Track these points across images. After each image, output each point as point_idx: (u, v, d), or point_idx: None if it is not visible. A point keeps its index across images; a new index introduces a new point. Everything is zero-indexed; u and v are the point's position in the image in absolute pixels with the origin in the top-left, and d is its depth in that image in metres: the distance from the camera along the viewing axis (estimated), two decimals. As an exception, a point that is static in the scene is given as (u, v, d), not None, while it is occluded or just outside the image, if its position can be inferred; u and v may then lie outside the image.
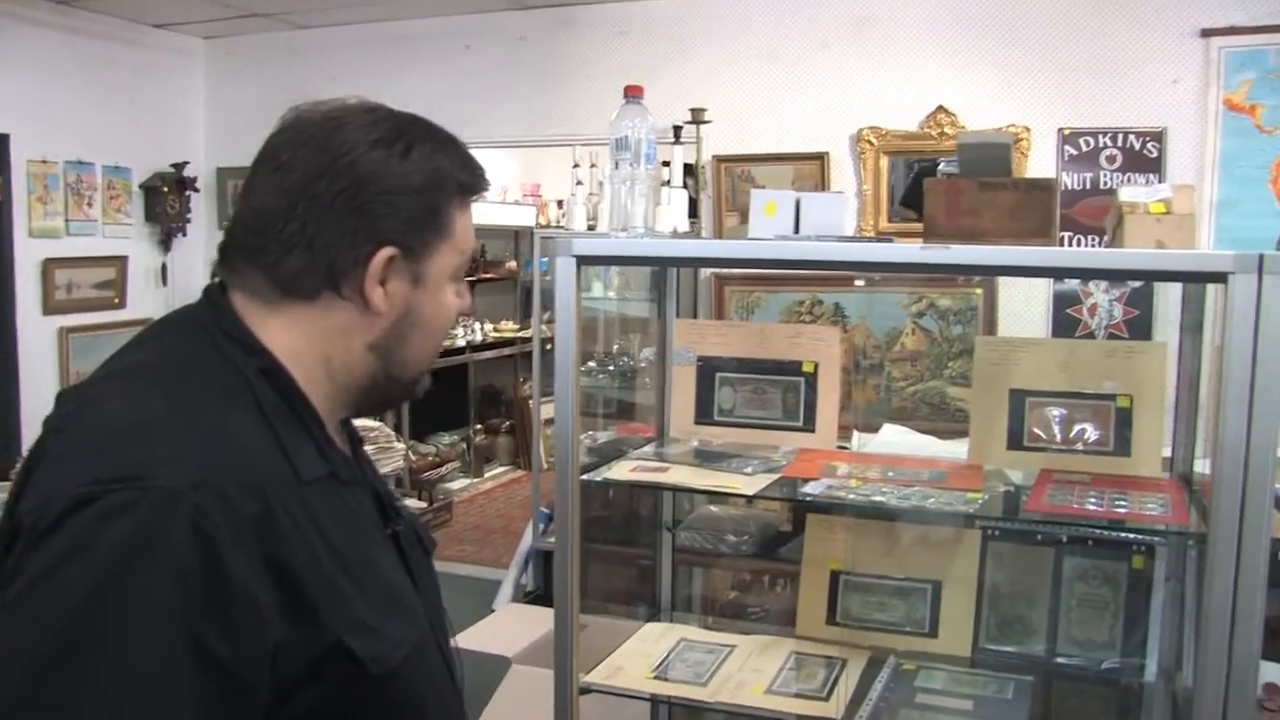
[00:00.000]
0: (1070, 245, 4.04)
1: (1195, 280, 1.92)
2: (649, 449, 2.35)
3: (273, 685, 0.99)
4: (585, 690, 1.98)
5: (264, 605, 0.97)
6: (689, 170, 4.64)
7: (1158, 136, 4.12)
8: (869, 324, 4.47)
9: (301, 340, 1.13)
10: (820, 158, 4.59)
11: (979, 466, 2.13)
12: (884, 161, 4.52)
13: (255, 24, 5.51)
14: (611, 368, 4.43)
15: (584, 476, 2.02)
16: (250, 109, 5.48)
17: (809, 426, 2.30)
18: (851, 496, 1.99)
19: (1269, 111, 4.00)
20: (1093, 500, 1.87)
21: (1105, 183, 4.17)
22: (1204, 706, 1.51)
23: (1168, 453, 2.10)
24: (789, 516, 3.10)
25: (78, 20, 5.21)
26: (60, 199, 5.20)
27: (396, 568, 1.20)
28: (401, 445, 6.35)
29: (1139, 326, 4.11)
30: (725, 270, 4.58)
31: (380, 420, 6.30)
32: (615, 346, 4.54)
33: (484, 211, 7.77)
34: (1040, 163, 4.27)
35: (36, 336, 5.15)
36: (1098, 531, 2.01)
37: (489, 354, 8.24)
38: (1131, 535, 1.99)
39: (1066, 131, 4.24)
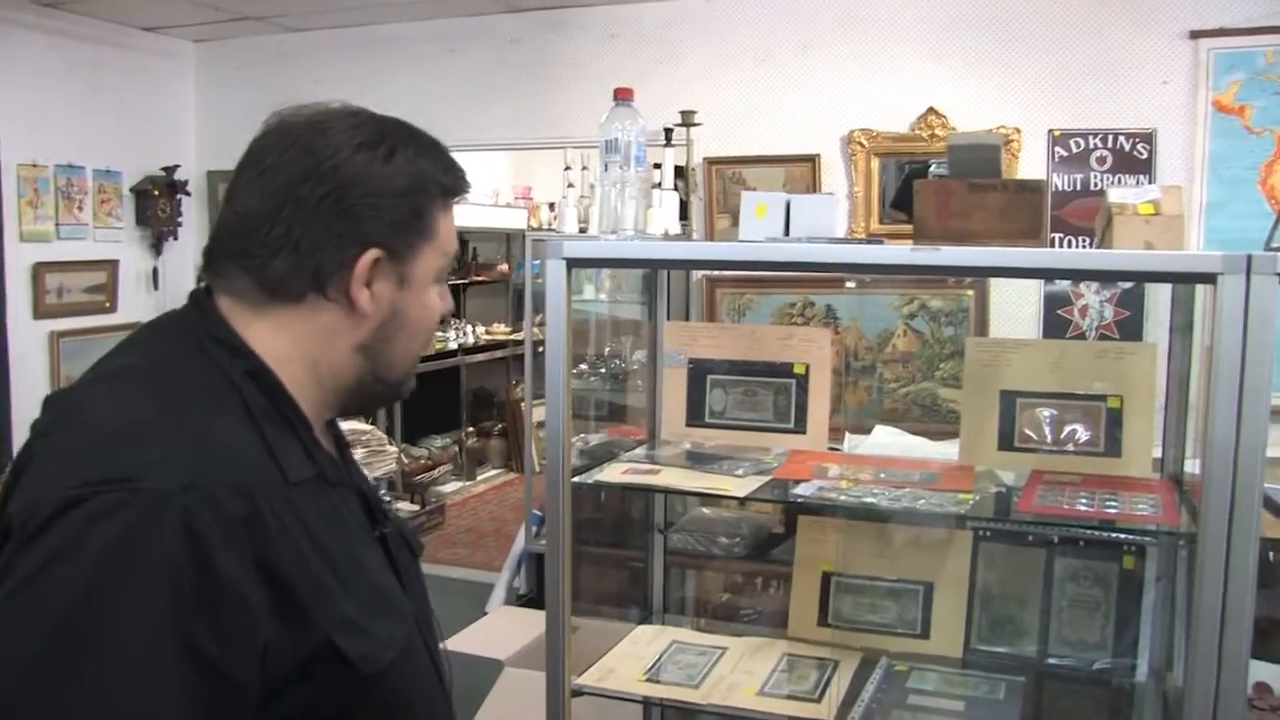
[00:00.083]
0: (1061, 246, 4.05)
1: (1184, 281, 1.92)
2: (640, 451, 2.35)
3: (262, 685, 0.99)
4: (577, 693, 1.98)
5: (254, 605, 0.98)
6: (680, 173, 4.64)
7: (1148, 138, 4.13)
8: (860, 326, 4.48)
9: (288, 342, 1.14)
10: (811, 160, 4.59)
11: (970, 468, 2.13)
12: (875, 163, 4.52)
13: (245, 27, 5.50)
14: (603, 370, 4.43)
15: (575, 479, 2.02)
16: (241, 112, 5.46)
17: (800, 428, 2.30)
18: (843, 498, 2.00)
19: (1258, 113, 4.01)
20: (1083, 501, 1.88)
21: (1096, 184, 4.18)
22: (1194, 706, 1.51)
23: (1158, 453, 2.11)
24: (781, 518, 3.11)
25: (66, 24, 5.19)
26: (51, 203, 5.19)
27: (384, 569, 1.21)
28: (393, 448, 6.33)
29: (1130, 327, 4.11)
30: (717, 273, 4.58)
31: (372, 423, 6.29)
32: (607, 349, 4.54)
33: (476, 214, 7.82)
34: (1031, 164, 4.28)
35: (27, 340, 5.13)
36: (1089, 532, 2.01)
37: (481, 357, 8.24)
38: (1122, 536, 2.00)
39: (1057, 133, 4.25)
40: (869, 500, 1.98)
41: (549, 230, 6.95)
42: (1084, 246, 4.03)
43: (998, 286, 4.29)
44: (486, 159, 7.97)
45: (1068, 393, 2.10)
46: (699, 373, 2.36)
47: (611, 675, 2.09)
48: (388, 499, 5.90)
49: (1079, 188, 4.21)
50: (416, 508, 6.82)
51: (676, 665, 2.13)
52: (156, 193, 5.60)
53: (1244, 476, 1.47)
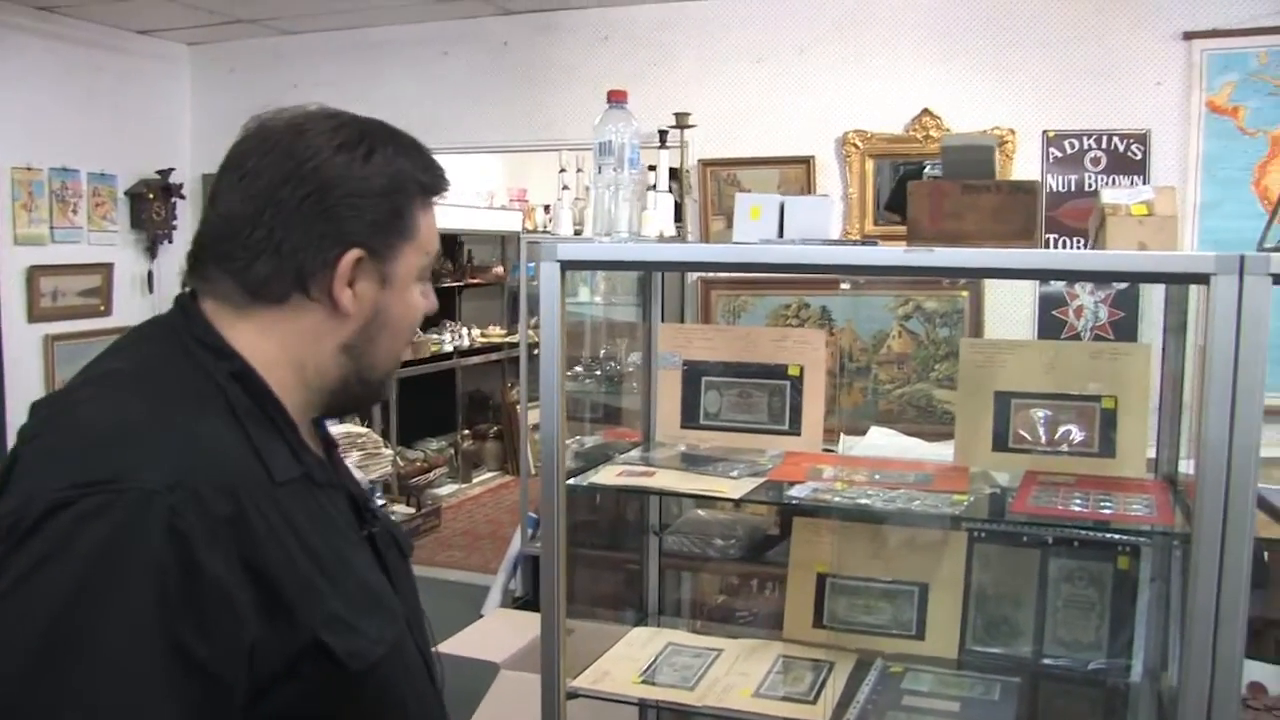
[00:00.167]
0: (1056, 247, 4.06)
1: (1177, 281, 1.92)
2: (635, 453, 2.35)
3: (250, 684, 1.00)
4: (573, 695, 1.98)
5: (240, 604, 0.98)
6: (674, 175, 4.64)
7: (1141, 139, 4.14)
8: (855, 327, 4.48)
9: (273, 344, 1.15)
10: (806, 161, 4.59)
11: (965, 469, 2.13)
12: (869, 165, 4.52)
13: (239, 30, 5.50)
14: (598, 372, 4.43)
15: (570, 481, 2.02)
16: (235, 115, 5.35)
17: (795, 430, 2.30)
18: (838, 499, 2.00)
19: (1251, 113, 4.02)
20: (1078, 501, 1.88)
21: (1090, 185, 4.18)
22: (1189, 706, 1.52)
23: (1152, 453, 2.11)
24: (776, 520, 3.11)
25: (61, 27, 5.19)
26: (45, 206, 5.18)
27: (373, 568, 1.21)
28: (389, 451, 6.32)
29: (1125, 328, 4.12)
30: (712, 274, 4.58)
31: (368, 426, 6.29)
32: (602, 351, 4.54)
33: (471, 217, 7.83)
34: (1025, 165, 4.29)
35: (21, 344, 5.13)
36: (1083, 532, 2.02)
37: (476, 359, 8.24)
38: (1116, 536, 2.00)
39: (1051, 134, 4.26)
40: (864, 502, 1.98)
41: (544, 233, 6.95)
42: (1079, 247, 4.03)
43: (993, 288, 4.30)
44: (482, 162, 7.98)
45: (1062, 393, 2.10)
46: (693, 374, 2.36)
47: (607, 677, 2.09)
48: (382, 501, 5.89)
49: (1073, 188, 4.22)
50: (412, 510, 6.81)
51: (672, 667, 2.13)
52: (151, 196, 5.60)
53: (1238, 476, 1.48)
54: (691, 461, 2.24)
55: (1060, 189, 4.23)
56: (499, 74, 5.19)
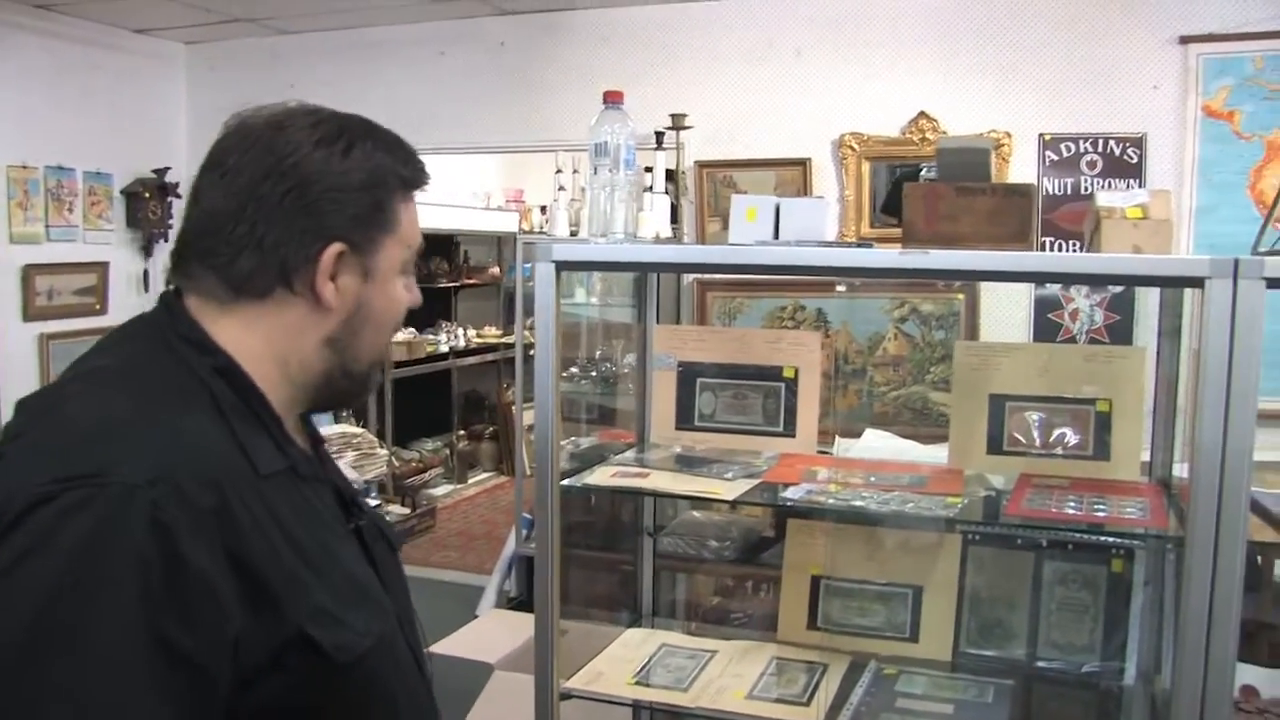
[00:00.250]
0: (1051, 250, 4.06)
1: (1171, 285, 1.93)
2: (630, 454, 2.35)
3: (234, 676, 1.00)
4: (566, 696, 1.98)
5: (224, 595, 0.99)
6: (670, 176, 4.64)
7: (1138, 142, 4.15)
8: (851, 329, 4.48)
9: (257, 339, 1.16)
10: (802, 163, 4.59)
11: (959, 471, 2.13)
12: (866, 167, 4.52)
13: (236, 29, 5.49)
14: (594, 373, 4.43)
15: (565, 482, 2.02)
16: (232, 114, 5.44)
17: (790, 432, 2.31)
18: (832, 501, 2.00)
19: (1247, 118, 4.02)
20: (1072, 504, 1.88)
21: (1086, 188, 4.19)
22: (1182, 709, 1.52)
23: (1146, 456, 2.11)
24: (770, 522, 3.11)
25: (58, 25, 5.18)
26: (41, 204, 5.17)
27: (360, 561, 1.22)
28: (384, 451, 6.34)
29: (1120, 331, 4.12)
30: (707, 276, 4.58)
31: (363, 426, 6.29)
32: (598, 352, 4.54)
33: (467, 217, 7.83)
34: (1021, 168, 4.29)
35: (17, 343, 5.12)
36: (1077, 535, 2.02)
37: (472, 360, 8.23)
38: (1110, 539, 2.00)
39: (1047, 137, 4.26)
40: (858, 504, 1.99)
41: (540, 233, 6.95)
42: (1074, 250, 4.04)
43: (988, 290, 4.30)
44: (478, 162, 7.98)
45: (1057, 396, 2.10)
46: (688, 376, 2.36)
47: (601, 678, 2.09)
48: (376, 502, 5.89)
49: (1069, 192, 4.22)
50: (407, 510, 6.80)
51: (666, 668, 2.14)
52: (147, 195, 5.59)
53: (1231, 480, 1.48)
54: (686, 463, 2.24)
55: (1056, 192, 4.23)
56: (496, 74, 5.19)
